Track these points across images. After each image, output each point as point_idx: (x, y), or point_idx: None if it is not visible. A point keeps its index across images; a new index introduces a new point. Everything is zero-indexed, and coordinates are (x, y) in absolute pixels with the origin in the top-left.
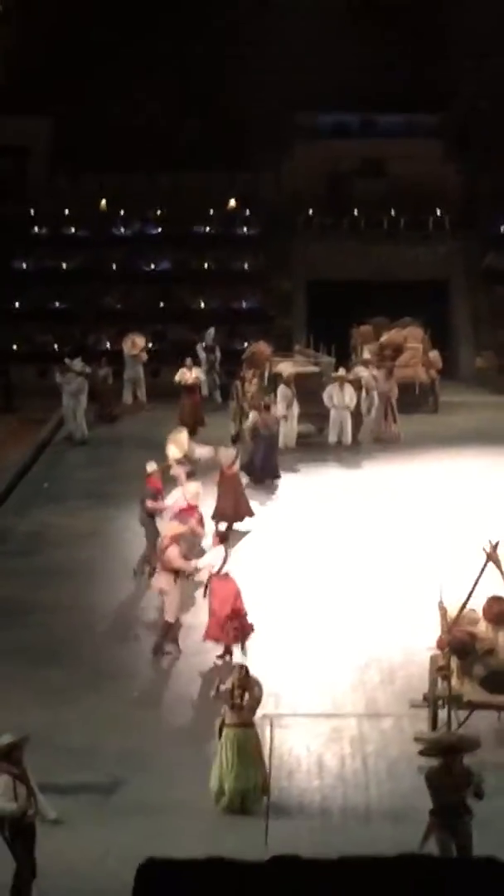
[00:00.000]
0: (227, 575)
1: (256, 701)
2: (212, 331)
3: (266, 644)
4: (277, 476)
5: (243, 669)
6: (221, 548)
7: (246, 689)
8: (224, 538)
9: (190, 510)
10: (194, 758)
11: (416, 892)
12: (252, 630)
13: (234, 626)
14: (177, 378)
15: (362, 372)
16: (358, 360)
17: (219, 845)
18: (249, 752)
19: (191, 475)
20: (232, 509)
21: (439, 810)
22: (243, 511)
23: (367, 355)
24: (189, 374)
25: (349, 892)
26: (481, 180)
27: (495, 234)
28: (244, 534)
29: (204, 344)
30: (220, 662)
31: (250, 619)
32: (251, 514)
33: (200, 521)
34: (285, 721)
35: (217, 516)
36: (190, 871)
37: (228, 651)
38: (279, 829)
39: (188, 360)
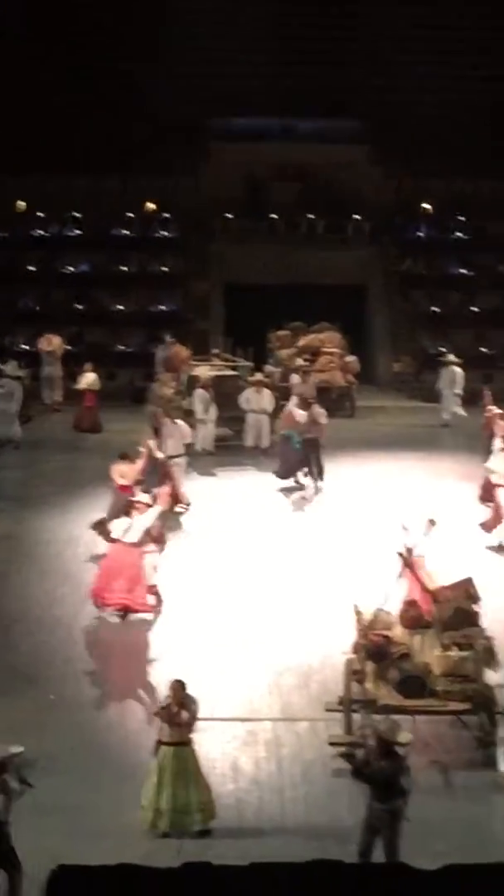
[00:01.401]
0: (129, 544)
1: (193, 717)
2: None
3: (182, 647)
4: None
5: (180, 685)
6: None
7: (183, 706)
8: (129, 508)
9: (124, 489)
10: (109, 761)
11: None
12: (141, 609)
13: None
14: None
15: (295, 379)
16: (284, 363)
17: (131, 851)
18: (188, 770)
19: (124, 457)
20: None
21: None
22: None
23: (300, 361)
24: (83, 380)
25: None
26: (399, 186)
27: (413, 240)
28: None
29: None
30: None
31: (143, 596)
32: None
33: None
34: (201, 725)
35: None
36: (101, 877)
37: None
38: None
39: (87, 365)
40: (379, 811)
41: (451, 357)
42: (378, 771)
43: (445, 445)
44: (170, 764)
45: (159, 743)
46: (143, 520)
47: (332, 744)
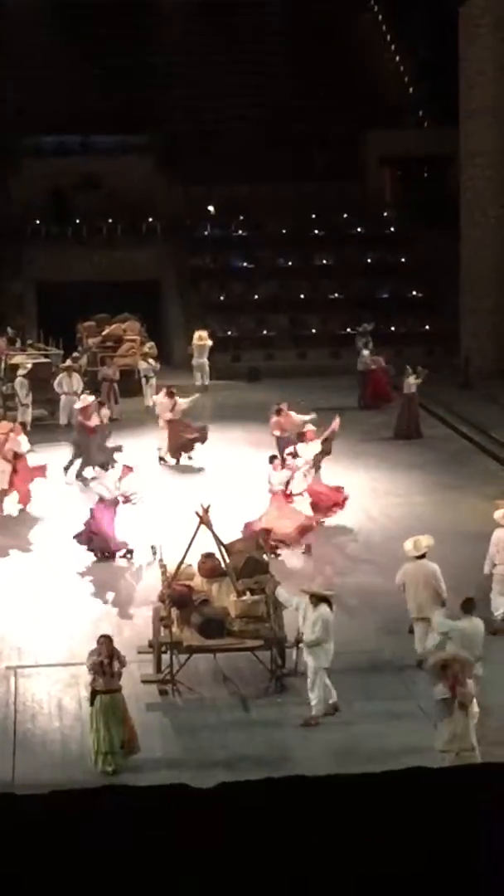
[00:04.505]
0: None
1: (123, 665)
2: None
3: (8, 602)
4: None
5: (109, 639)
6: None
7: (113, 657)
8: None
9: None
10: None
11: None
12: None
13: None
14: None
15: (142, 364)
16: (91, 350)
17: None
18: (118, 714)
19: None
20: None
21: None
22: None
23: (147, 349)
24: None
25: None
26: (186, 191)
27: (199, 238)
28: None
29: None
30: None
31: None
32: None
33: None
34: (28, 671)
35: None
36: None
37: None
38: (26, 764)
39: None
40: None
41: (203, 333)
42: None
43: (233, 416)
44: (105, 711)
45: (95, 693)
46: None
47: (144, 681)
